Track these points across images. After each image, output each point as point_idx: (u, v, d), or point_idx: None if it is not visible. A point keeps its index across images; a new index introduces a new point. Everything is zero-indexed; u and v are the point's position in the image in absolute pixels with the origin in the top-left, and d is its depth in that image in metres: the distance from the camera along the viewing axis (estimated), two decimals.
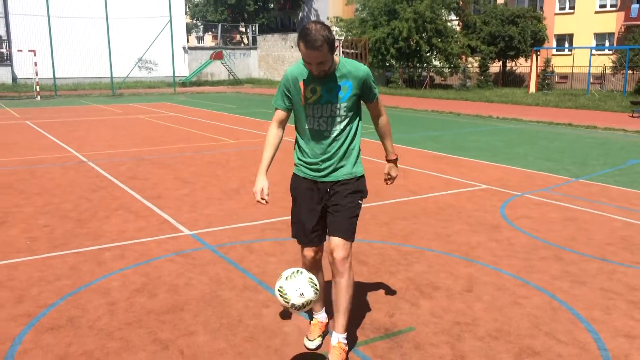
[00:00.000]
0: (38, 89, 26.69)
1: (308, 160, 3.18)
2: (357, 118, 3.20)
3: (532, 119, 16.75)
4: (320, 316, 3.38)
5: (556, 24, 37.19)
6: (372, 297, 4.08)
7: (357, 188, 3.20)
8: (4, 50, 32.02)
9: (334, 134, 3.11)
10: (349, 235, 3.12)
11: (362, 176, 3.26)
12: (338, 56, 3.09)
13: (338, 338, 3.12)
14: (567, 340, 3.44)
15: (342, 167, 3.16)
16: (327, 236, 3.26)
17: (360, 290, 4.16)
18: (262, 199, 3.10)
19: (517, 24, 34.73)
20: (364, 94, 3.15)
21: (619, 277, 4.44)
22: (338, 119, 3.09)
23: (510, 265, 4.70)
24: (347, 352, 3.17)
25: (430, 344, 3.40)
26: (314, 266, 3.30)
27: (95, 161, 9.64)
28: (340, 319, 3.12)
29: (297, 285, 2.80)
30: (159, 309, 3.87)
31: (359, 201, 3.21)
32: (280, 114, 3.20)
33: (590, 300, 4.02)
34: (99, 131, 14.05)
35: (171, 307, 3.90)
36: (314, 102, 3.07)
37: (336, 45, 2.97)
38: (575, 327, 3.61)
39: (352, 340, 3.40)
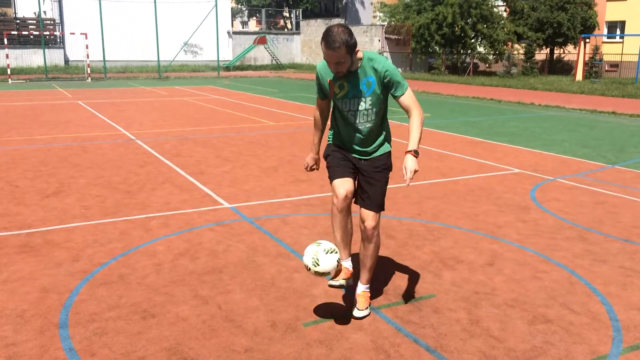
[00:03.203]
0: (89, 71, 27.71)
1: (345, 143, 3.54)
2: (384, 108, 3.45)
3: (575, 106, 16.51)
4: (347, 264, 3.51)
5: (608, 11, 36.08)
6: (397, 267, 4.33)
7: (386, 165, 3.55)
8: (57, 33, 33.24)
9: (362, 127, 3.41)
10: (379, 208, 3.51)
11: (390, 152, 3.58)
12: (363, 52, 3.29)
13: (363, 288, 3.62)
14: (581, 310, 3.62)
15: (372, 150, 3.52)
16: (359, 204, 3.56)
17: (386, 261, 4.43)
18: (312, 168, 3.76)
19: (567, 10, 33.88)
20: (389, 88, 3.35)
21: None
22: (364, 112, 3.37)
23: (534, 243, 4.87)
24: (370, 298, 3.65)
25: (449, 309, 3.64)
26: (344, 210, 3.40)
27: (143, 139, 10.13)
28: (365, 274, 3.62)
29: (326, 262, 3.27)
30: (200, 270, 4.23)
31: (387, 175, 3.56)
32: (320, 102, 3.64)
33: (608, 276, 4.17)
34: (146, 112, 14.63)
35: (211, 269, 4.25)
36: (342, 97, 3.38)
37: (354, 46, 3.26)
38: (590, 300, 3.78)
39: (375, 304, 3.68)
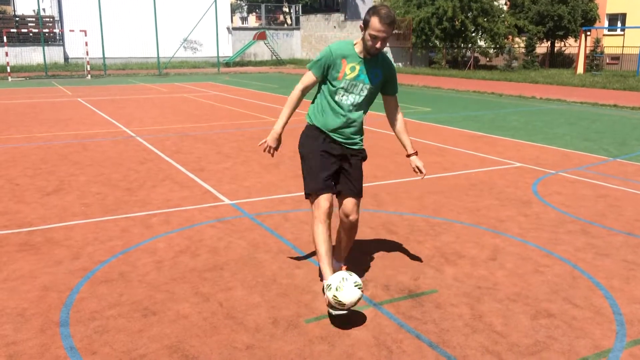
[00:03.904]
0: (89, 68, 27.66)
1: (330, 127, 3.57)
2: (369, 105, 3.66)
3: (576, 100, 16.45)
4: (337, 265, 3.78)
5: (608, 3, 35.88)
6: (399, 262, 4.31)
7: (363, 158, 3.74)
8: (57, 31, 33.16)
9: (356, 111, 3.55)
10: (361, 194, 3.70)
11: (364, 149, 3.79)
12: None
13: (341, 265, 3.89)
14: (584, 305, 3.60)
15: (355, 139, 3.64)
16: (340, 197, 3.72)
17: (388, 256, 4.41)
18: (270, 151, 3.65)
19: (567, 3, 33.70)
20: (387, 86, 3.64)
21: None
22: (362, 98, 3.54)
23: (536, 237, 4.85)
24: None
25: (451, 304, 3.62)
26: (328, 218, 3.52)
27: (143, 136, 10.11)
28: (342, 253, 3.90)
29: (348, 293, 3.21)
30: (201, 267, 4.21)
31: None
32: (311, 79, 3.58)
33: (611, 270, 4.15)
34: (146, 109, 14.60)
35: (212, 266, 4.23)
36: (350, 79, 3.49)
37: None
38: (593, 294, 3.76)
39: (377, 299, 3.66)
